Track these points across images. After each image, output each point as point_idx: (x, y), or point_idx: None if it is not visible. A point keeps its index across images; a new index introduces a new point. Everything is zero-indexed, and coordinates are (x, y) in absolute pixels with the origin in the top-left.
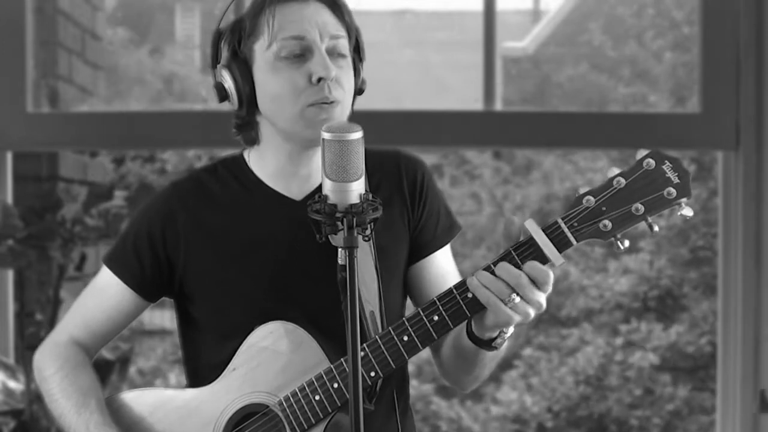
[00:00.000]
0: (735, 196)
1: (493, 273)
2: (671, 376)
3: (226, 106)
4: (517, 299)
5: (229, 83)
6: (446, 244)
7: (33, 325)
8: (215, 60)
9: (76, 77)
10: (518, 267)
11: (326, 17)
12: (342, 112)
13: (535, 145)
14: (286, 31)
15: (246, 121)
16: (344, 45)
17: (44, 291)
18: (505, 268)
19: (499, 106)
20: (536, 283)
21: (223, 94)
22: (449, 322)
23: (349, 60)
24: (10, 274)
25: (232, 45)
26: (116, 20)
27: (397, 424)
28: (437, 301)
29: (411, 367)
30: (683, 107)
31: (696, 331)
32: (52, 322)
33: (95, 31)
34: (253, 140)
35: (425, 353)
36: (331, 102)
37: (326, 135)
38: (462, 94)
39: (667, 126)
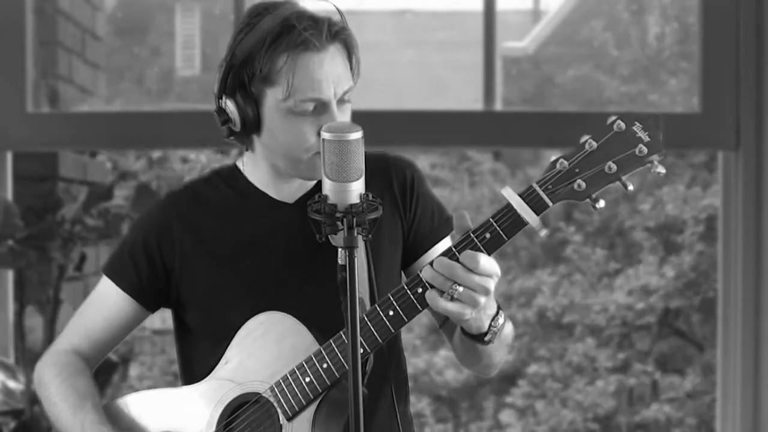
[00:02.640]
0: (735, 196)
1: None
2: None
3: None
4: (461, 288)
5: (234, 114)
6: (445, 236)
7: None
8: (222, 90)
9: (76, 77)
10: (478, 249)
11: (341, 68)
12: None
13: (535, 145)
14: (304, 92)
15: (241, 137)
16: (350, 92)
17: (44, 291)
18: (439, 262)
19: (499, 106)
20: (471, 270)
21: (224, 119)
22: None
23: (350, 102)
24: (10, 274)
25: (242, 79)
26: (116, 20)
27: (398, 427)
28: (420, 274)
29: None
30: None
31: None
32: (52, 322)
33: (95, 31)
34: (245, 146)
35: (422, 363)
36: None
37: (326, 135)
38: (462, 94)
39: (667, 126)
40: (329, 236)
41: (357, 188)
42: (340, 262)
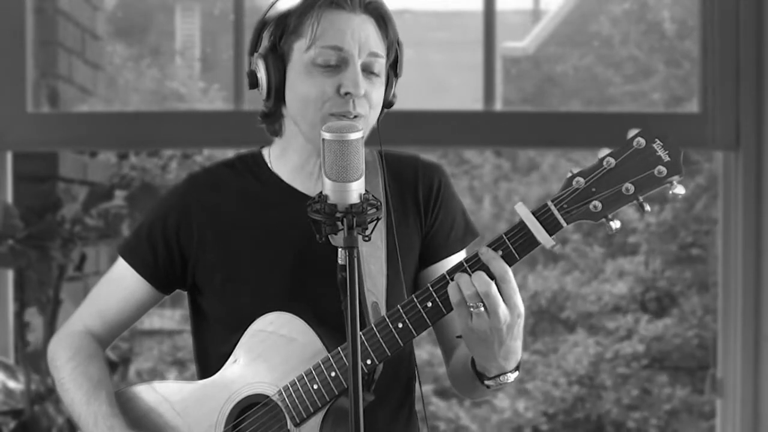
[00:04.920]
0: (735, 196)
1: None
2: (668, 377)
3: (226, 107)
4: (482, 309)
5: (261, 73)
6: (459, 251)
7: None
8: (254, 47)
9: (76, 77)
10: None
11: (370, 32)
12: (363, 127)
13: (535, 145)
14: (326, 39)
15: (272, 111)
16: (381, 64)
17: (44, 291)
18: (476, 278)
19: (499, 106)
20: (504, 302)
21: (253, 81)
22: (442, 308)
23: (383, 78)
24: (10, 274)
25: (274, 38)
26: (116, 20)
27: (401, 428)
28: (430, 288)
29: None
30: (681, 107)
31: (684, 325)
32: (52, 322)
33: (95, 31)
34: (275, 132)
35: (426, 355)
36: (354, 117)
37: (326, 135)
38: (462, 94)
39: (667, 126)
40: (329, 236)
41: (357, 188)
42: (340, 262)
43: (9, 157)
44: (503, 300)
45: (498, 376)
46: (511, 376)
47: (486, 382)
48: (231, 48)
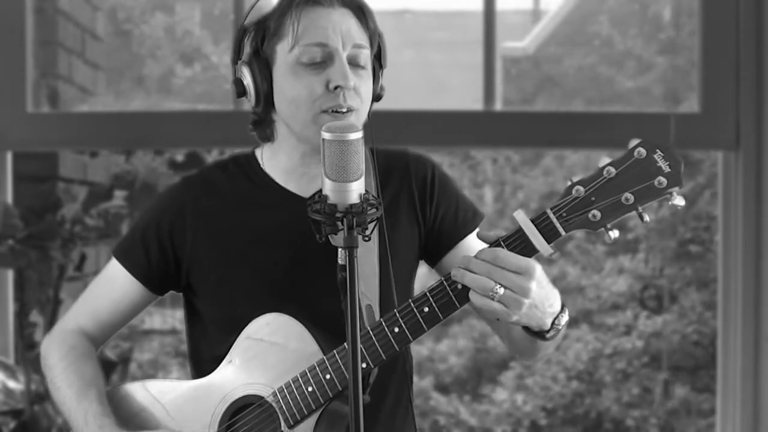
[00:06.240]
0: (735, 196)
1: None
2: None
3: (226, 107)
4: (502, 290)
5: (248, 80)
6: (472, 231)
7: (31, 327)
8: (237, 56)
9: (76, 77)
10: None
11: (351, 25)
12: (356, 121)
13: (535, 145)
14: (309, 37)
15: (262, 117)
16: (366, 55)
17: (44, 291)
18: (475, 262)
19: (499, 106)
20: (509, 270)
21: (240, 90)
22: (439, 313)
23: (369, 70)
24: (10, 274)
25: (255, 43)
26: (116, 20)
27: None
28: (428, 293)
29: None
30: (679, 107)
31: (684, 321)
32: (52, 322)
33: (95, 31)
34: (267, 137)
35: (425, 351)
36: (346, 111)
37: (326, 135)
38: (462, 94)
39: (667, 126)
40: (329, 236)
41: (357, 188)
42: (340, 262)
43: (9, 157)
44: (510, 270)
45: (554, 323)
46: (565, 316)
47: (548, 336)
48: (231, 48)
